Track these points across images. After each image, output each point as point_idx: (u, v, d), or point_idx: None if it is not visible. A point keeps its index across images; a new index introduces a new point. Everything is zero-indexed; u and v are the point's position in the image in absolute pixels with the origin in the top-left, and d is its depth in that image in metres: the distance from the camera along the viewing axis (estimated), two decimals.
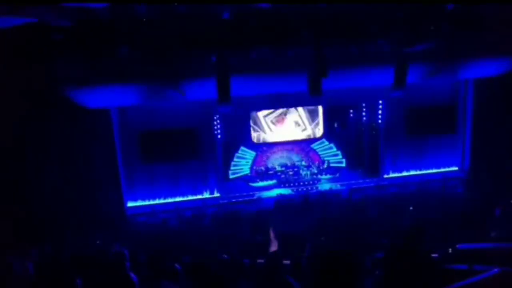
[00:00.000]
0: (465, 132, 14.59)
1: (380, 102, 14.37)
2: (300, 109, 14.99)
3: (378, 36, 11.00)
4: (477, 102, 14.04)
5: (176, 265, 5.61)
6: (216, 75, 10.37)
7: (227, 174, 14.76)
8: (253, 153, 15.03)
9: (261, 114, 14.83)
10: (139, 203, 13.27)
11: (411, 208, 11.97)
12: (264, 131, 15.00)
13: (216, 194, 13.82)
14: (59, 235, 10.30)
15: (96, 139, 11.85)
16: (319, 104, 14.74)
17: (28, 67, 9.74)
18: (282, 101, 13.78)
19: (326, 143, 15.43)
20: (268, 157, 15.17)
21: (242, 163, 14.99)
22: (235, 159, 14.89)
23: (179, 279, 5.08)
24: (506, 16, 11.03)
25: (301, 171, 14.92)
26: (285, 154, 15.26)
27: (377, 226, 10.63)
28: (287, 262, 5.58)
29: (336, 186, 14.49)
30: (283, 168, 14.96)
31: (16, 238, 8.85)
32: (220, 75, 10.36)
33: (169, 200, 13.46)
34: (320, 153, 15.40)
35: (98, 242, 10.11)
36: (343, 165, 15.46)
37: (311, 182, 14.62)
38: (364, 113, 15.41)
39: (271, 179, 14.70)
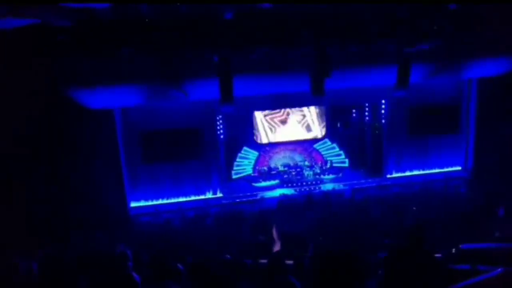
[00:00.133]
0: (469, 132, 14.55)
1: (383, 102, 14.34)
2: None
3: (381, 36, 10.97)
4: (481, 101, 14.00)
5: (179, 265, 5.61)
6: (219, 75, 10.38)
7: (230, 174, 14.76)
8: (255, 153, 15.03)
9: (261, 114, 14.82)
10: (142, 203, 13.29)
11: (414, 208, 11.93)
12: (265, 132, 14.99)
13: (219, 194, 13.83)
14: (62, 235, 10.32)
15: (99, 139, 11.87)
16: (322, 104, 14.70)
17: (31, 67, 9.76)
18: (285, 101, 13.76)
19: (329, 143, 15.41)
20: (271, 157, 15.17)
21: (245, 163, 14.99)
22: (237, 159, 14.88)
23: (182, 280, 5.08)
24: (508, 15, 10.98)
25: (304, 171, 14.90)
26: (288, 154, 15.25)
27: (380, 226, 10.60)
28: (290, 262, 5.56)
29: (339, 186, 14.45)
30: (286, 168, 14.95)
31: (21, 239, 8.88)
32: (223, 75, 10.36)
33: (172, 200, 13.48)
34: (323, 153, 15.38)
35: (101, 242, 10.13)
36: (346, 165, 15.44)
37: (314, 182, 14.58)
38: (367, 113, 15.40)
39: (274, 179, 14.68)
